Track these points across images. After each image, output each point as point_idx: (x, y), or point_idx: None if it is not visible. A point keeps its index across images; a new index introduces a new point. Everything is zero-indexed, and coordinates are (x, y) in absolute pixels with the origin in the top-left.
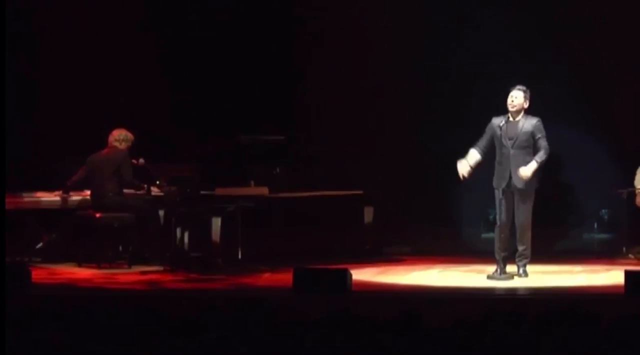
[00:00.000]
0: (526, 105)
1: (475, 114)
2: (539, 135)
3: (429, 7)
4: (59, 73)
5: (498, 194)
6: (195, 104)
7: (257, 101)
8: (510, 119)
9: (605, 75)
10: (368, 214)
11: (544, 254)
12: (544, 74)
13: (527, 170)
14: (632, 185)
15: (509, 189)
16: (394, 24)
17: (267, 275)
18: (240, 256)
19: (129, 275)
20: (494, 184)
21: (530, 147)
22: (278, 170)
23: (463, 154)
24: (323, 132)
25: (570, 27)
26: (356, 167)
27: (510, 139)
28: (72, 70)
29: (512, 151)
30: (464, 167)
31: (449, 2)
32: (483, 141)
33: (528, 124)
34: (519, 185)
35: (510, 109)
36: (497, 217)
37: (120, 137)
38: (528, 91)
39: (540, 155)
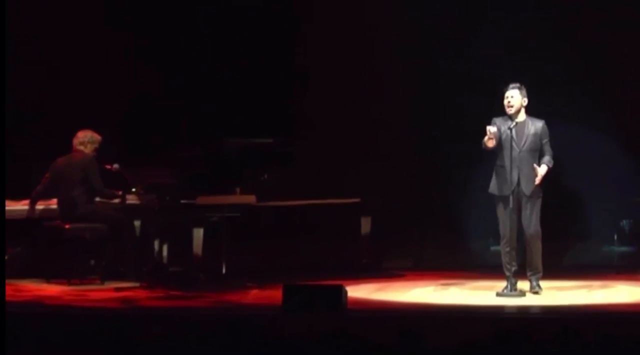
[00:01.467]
0: (525, 103)
1: (483, 119)
2: (546, 140)
3: (431, 10)
4: (25, 73)
5: (501, 201)
6: (178, 104)
7: (248, 102)
8: (515, 121)
9: (628, 75)
10: (365, 225)
11: (558, 269)
12: (557, 74)
13: (542, 170)
14: None
15: (515, 196)
16: (396, 25)
17: (254, 292)
18: (224, 271)
19: (102, 292)
20: (495, 190)
21: (537, 150)
22: (266, 176)
23: (466, 162)
24: (318, 135)
25: (589, 24)
26: (354, 174)
27: (517, 142)
28: (39, 70)
29: (520, 154)
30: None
31: (452, 3)
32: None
33: (535, 126)
34: (527, 191)
35: (508, 111)
36: (501, 227)
37: (85, 140)
38: (523, 87)
39: (550, 160)
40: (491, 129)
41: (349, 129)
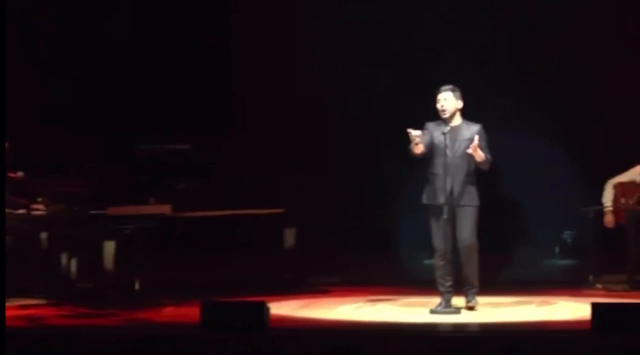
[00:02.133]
0: (459, 106)
1: (417, 125)
2: (483, 144)
3: (364, 12)
4: None
5: (434, 212)
6: (88, 108)
7: (166, 106)
8: (449, 126)
9: (573, 79)
10: (289, 237)
11: (496, 283)
12: (496, 76)
13: (478, 149)
14: (599, 203)
15: (449, 206)
16: (326, 30)
17: (170, 309)
18: (138, 287)
19: (5, 310)
20: (427, 199)
21: (467, 156)
22: (183, 184)
23: (397, 171)
24: (240, 141)
25: (535, 26)
26: (278, 183)
27: (450, 148)
28: None
29: (453, 161)
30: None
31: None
32: (424, 141)
33: (470, 130)
34: (462, 200)
35: (442, 115)
36: (435, 240)
37: None
38: (457, 89)
39: (489, 158)
40: (412, 132)
41: (273, 136)
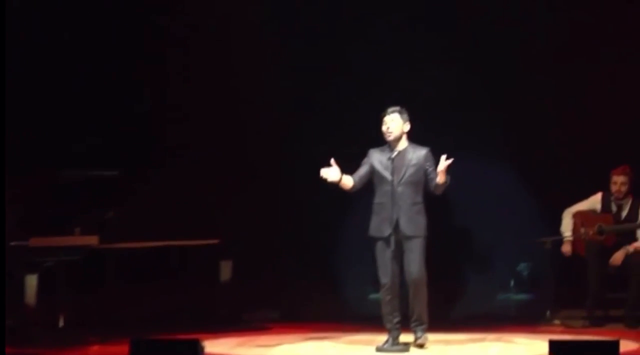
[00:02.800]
0: (406, 129)
1: (360, 152)
2: (431, 168)
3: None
4: None
5: (380, 243)
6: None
7: (95, 130)
8: (395, 150)
9: (528, 104)
10: (225, 270)
11: (447, 319)
12: (447, 98)
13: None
14: (557, 233)
15: (396, 237)
16: (261, 52)
17: (96, 347)
18: (62, 324)
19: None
20: (373, 231)
21: (420, 183)
22: (111, 214)
23: (349, 205)
24: (173, 167)
25: (490, 52)
26: (214, 213)
27: (395, 174)
28: None
29: (399, 189)
30: (332, 170)
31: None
32: (358, 172)
33: (417, 155)
34: (409, 230)
35: (387, 138)
36: (381, 273)
37: None
38: (405, 111)
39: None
40: (322, 171)
41: (211, 163)
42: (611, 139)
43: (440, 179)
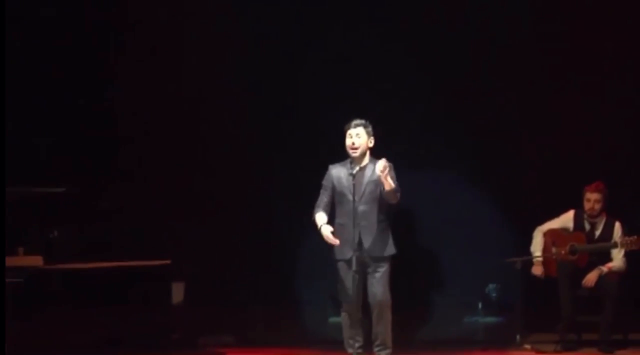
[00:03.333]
0: (371, 144)
1: (318, 173)
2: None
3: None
4: None
5: (342, 265)
6: None
7: (41, 145)
8: (357, 166)
9: (497, 114)
10: (177, 292)
11: (412, 344)
12: (411, 111)
13: (384, 166)
14: (527, 252)
15: (359, 258)
16: (218, 72)
17: None
18: (4, 350)
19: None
20: (336, 253)
21: (377, 199)
22: (56, 233)
23: (309, 220)
24: (124, 184)
25: (459, 64)
26: (166, 232)
27: (356, 192)
28: None
29: (360, 207)
30: (330, 230)
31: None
32: (324, 199)
33: (375, 169)
34: (372, 251)
35: (352, 153)
36: (342, 295)
37: None
38: (369, 125)
39: (396, 187)
40: (332, 238)
41: (164, 181)
42: (584, 153)
43: (384, 185)
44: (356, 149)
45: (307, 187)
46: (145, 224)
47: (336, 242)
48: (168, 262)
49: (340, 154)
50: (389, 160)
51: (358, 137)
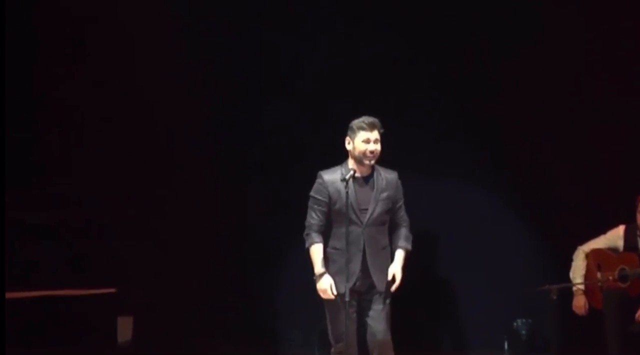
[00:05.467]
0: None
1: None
2: (400, 202)
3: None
4: None
5: (335, 299)
6: None
7: None
8: (357, 175)
9: (529, 114)
10: (125, 328)
11: None
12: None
13: (397, 267)
14: (566, 279)
15: (356, 289)
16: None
17: None
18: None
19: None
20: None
21: (387, 221)
22: None
23: (290, 240)
24: (62, 193)
25: (490, 60)
26: (111, 253)
27: (362, 210)
28: None
29: (367, 230)
30: (330, 283)
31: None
32: (318, 217)
33: (387, 183)
34: (380, 284)
35: (366, 161)
36: (333, 332)
37: None
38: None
39: (407, 237)
40: (333, 292)
41: (109, 194)
42: (638, 155)
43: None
44: (374, 156)
45: (288, 199)
46: (85, 244)
47: (332, 297)
48: (113, 290)
49: (327, 161)
50: (407, 173)
51: (377, 142)
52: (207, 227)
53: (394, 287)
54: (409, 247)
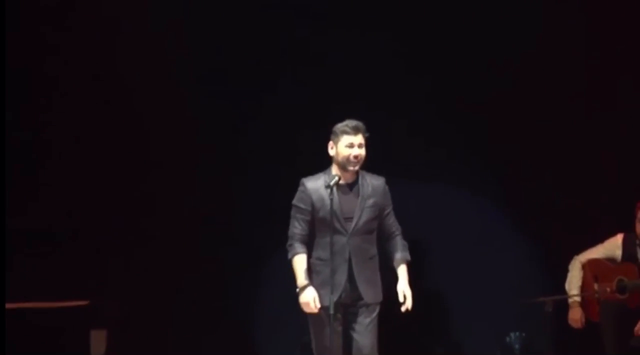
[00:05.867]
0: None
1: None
2: (390, 209)
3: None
4: None
5: (319, 314)
6: None
7: None
8: (342, 182)
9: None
10: (98, 342)
11: None
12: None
13: (406, 286)
14: (561, 290)
15: (341, 302)
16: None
17: None
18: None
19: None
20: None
21: (375, 229)
22: None
23: (272, 252)
24: (30, 200)
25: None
26: (83, 263)
27: (347, 219)
28: None
29: (352, 240)
30: (313, 296)
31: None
32: (301, 227)
33: (373, 189)
34: (369, 297)
35: (350, 167)
36: (317, 350)
37: None
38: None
39: (404, 247)
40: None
41: (85, 203)
42: (636, 161)
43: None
44: (359, 161)
45: (268, 206)
46: (57, 254)
47: (315, 310)
48: (86, 303)
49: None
50: (385, 174)
51: (361, 147)
52: (184, 238)
53: (404, 308)
54: (409, 257)
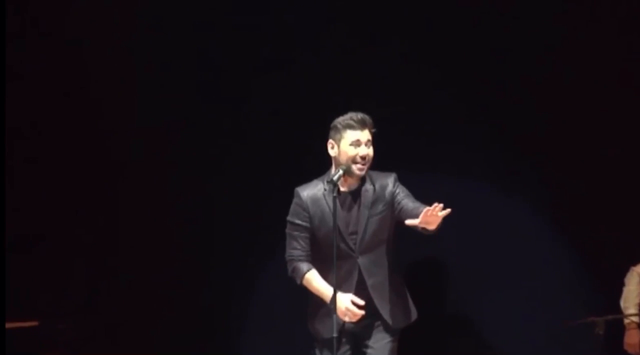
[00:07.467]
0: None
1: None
2: (402, 194)
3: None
4: None
5: (324, 344)
6: None
7: None
8: (347, 189)
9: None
10: None
11: None
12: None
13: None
14: (616, 309)
15: (358, 329)
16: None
17: None
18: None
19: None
20: (318, 330)
21: (386, 239)
22: None
23: (272, 269)
24: None
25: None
26: (35, 279)
27: (352, 230)
28: None
29: (361, 259)
30: (348, 299)
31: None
32: (300, 246)
33: (382, 188)
34: (397, 320)
35: (358, 170)
36: None
37: None
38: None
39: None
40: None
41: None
42: None
43: (429, 226)
44: (366, 164)
45: (258, 213)
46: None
47: (360, 314)
48: (35, 323)
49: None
50: (399, 170)
51: (369, 145)
52: (151, 251)
53: (443, 212)
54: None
